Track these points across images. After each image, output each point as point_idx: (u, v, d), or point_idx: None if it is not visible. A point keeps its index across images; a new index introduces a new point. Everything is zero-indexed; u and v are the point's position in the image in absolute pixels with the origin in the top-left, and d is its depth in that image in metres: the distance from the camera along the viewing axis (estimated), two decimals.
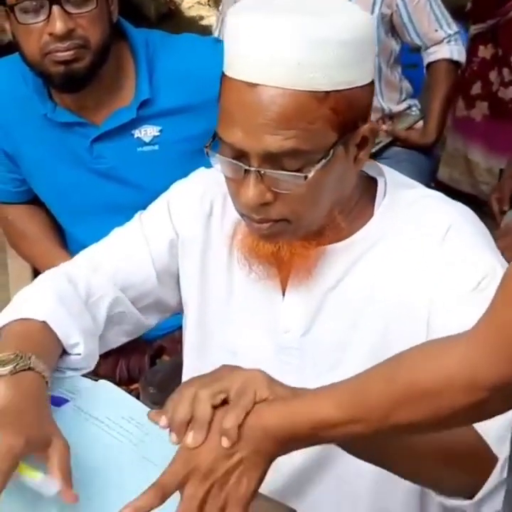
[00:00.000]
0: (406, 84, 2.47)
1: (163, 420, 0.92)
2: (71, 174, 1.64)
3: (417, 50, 2.41)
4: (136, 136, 1.58)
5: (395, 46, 2.39)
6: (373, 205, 1.10)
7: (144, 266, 1.21)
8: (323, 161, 0.97)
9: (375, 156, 2.37)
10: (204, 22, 5.05)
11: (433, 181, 3.23)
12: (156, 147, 1.58)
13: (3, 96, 1.65)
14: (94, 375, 1.72)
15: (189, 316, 1.23)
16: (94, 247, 1.26)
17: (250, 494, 0.89)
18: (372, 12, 2.24)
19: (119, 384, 1.70)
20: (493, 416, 0.84)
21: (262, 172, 0.97)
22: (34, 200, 1.78)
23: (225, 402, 0.91)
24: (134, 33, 1.58)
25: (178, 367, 1.49)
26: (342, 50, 0.95)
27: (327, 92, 0.95)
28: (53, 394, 1.08)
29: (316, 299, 1.10)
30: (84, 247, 1.70)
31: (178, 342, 1.66)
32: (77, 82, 1.49)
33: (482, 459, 0.94)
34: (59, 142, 1.61)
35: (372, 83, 1.02)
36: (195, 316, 1.22)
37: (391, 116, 2.42)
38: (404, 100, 2.46)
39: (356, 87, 0.98)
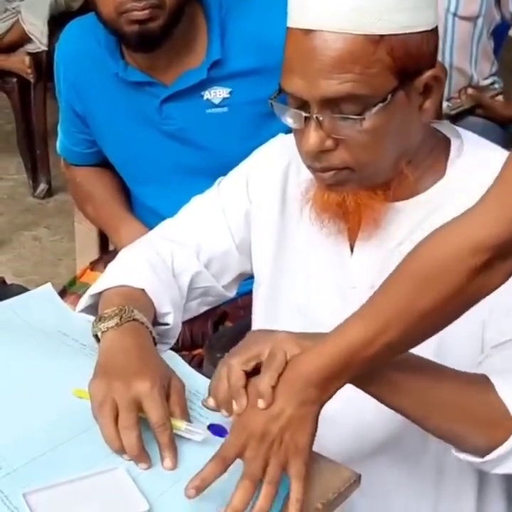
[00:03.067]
0: (495, 59, 2.43)
1: (211, 402, 0.97)
2: (140, 134, 1.64)
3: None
4: (205, 97, 1.57)
5: (496, 16, 2.35)
6: (446, 164, 1.08)
7: (224, 240, 1.24)
8: (381, 104, 0.96)
9: (454, 120, 2.33)
10: None
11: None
12: (226, 109, 1.57)
13: (75, 56, 1.66)
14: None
15: (262, 277, 1.24)
16: (176, 220, 1.29)
17: (308, 446, 0.92)
18: None
19: (181, 349, 1.72)
20: (500, 284, 0.88)
21: (321, 118, 0.98)
22: (102, 163, 1.79)
23: (259, 368, 0.94)
24: None
25: (242, 332, 1.47)
26: None
27: (381, 36, 0.95)
28: None
29: (382, 254, 1.10)
30: (150, 209, 1.71)
31: (241, 308, 1.66)
32: (150, 41, 1.49)
33: (501, 422, 0.96)
34: (129, 102, 1.61)
35: (434, 31, 1.00)
36: (268, 278, 1.22)
37: (475, 88, 2.37)
38: (491, 75, 2.41)
39: (414, 33, 0.97)
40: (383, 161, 1.03)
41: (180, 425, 1.00)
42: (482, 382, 0.98)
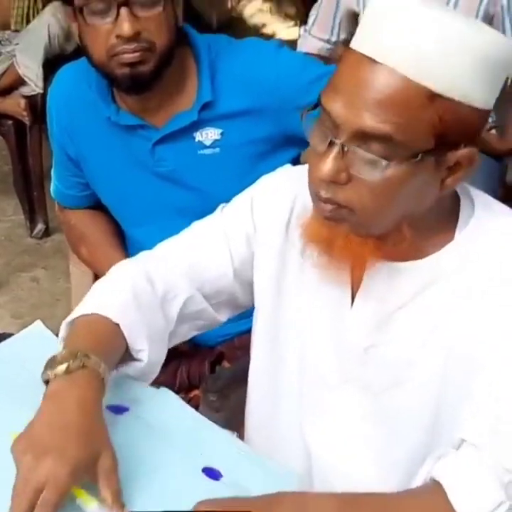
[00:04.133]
0: None
1: None
2: (133, 177, 1.64)
3: None
4: (197, 139, 1.57)
5: None
6: (455, 227, 1.05)
7: (222, 263, 1.21)
8: (412, 160, 0.93)
9: None
10: (266, 30, 5.06)
11: (502, 186, 3.17)
12: (217, 150, 1.57)
13: (68, 100, 1.67)
14: (155, 382, 1.73)
15: (261, 311, 1.22)
16: (175, 240, 1.26)
17: None
18: (479, 6, 2.20)
19: (178, 391, 1.71)
20: None
21: (346, 148, 0.95)
22: (96, 205, 1.79)
23: None
24: (197, 38, 1.59)
25: (238, 374, 1.47)
26: (479, 65, 0.92)
27: (439, 95, 0.92)
28: (113, 403, 1.06)
29: (383, 314, 1.07)
30: (145, 250, 1.70)
31: (238, 348, 1.66)
32: (141, 84, 1.49)
33: None
34: (122, 145, 1.62)
35: (487, 113, 0.98)
36: (268, 312, 1.20)
37: None
38: None
39: (472, 106, 0.94)
40: (386, 216, 1.00)
41: (90, 502, 0.93)
42: (432, 494, 0.98)
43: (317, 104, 0.99)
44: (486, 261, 1.02)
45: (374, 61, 0.93)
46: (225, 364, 1.70)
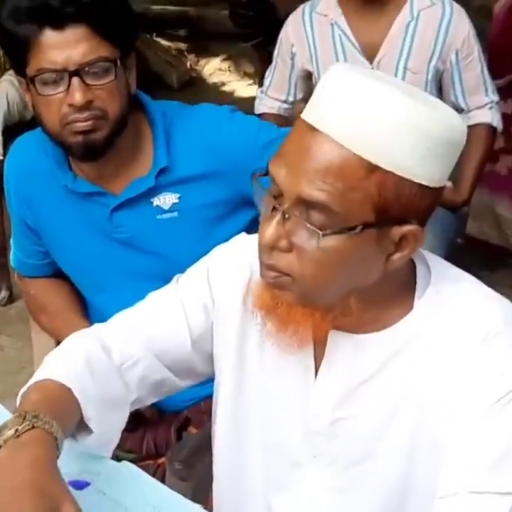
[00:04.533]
0: None
1: None
2: (93, 244, 1.64)
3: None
4: (155, 204, 1.58)
5: None
6: (413, 296, 1.04)
7: (179, 333, 1.20)
8: (347, 233, 0.93)
9: None
10: (225, 88, 5.12)
11: (461, 237, 3.21)
12: (176, 214, 1.58)
13: (25, 170, 1.67)
14: (121, 449, 1.70)
15: (222, 386, 1.20)
16: (131, 311, 1.25)
17: None
18: (429, 63, 2.27)
19: (146, 458, 1.68)
20: None
21: (287, 215, 0.95)
22: (56, 274, 1.77)
23: None
24: (151, 104, 1.60)
25: (204, 440, 1.45)
26: (420, 141, 0.91)
27: (375, 166, 0.91)
28: (74, 478, 1.04)
29: (348, 388, 1.06)
30: (107, 317, 1.69)
31: (204, 413, 1.64)
32: (95, 151, 1.50)
33: None
34: (80, 212, 1.61)
35: (436, 190, 0.96)
36: (230, 388, 1.18)
37: None
38: None
39: (413, 182, 0.93)
40: (328, 287, 0.98)
41: None
42: None
43: (268, 170, 0.99)
44: (446, 329, 1.02)
45: (315, 130, 0.93)
46: (192, 429, 1.67)
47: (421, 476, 1.03)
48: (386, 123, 0.91)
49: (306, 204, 0.93)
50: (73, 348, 1.18)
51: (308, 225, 0.93)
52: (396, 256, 0.97)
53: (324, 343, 1.05)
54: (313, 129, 0.94)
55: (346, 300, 1.00)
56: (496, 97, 2.37)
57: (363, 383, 1.05)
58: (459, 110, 2.38)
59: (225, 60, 5.31)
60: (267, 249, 0.98)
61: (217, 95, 4.86)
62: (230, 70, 5.25)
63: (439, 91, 2.37)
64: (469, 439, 0.98)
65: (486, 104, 2.36)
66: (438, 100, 0.98)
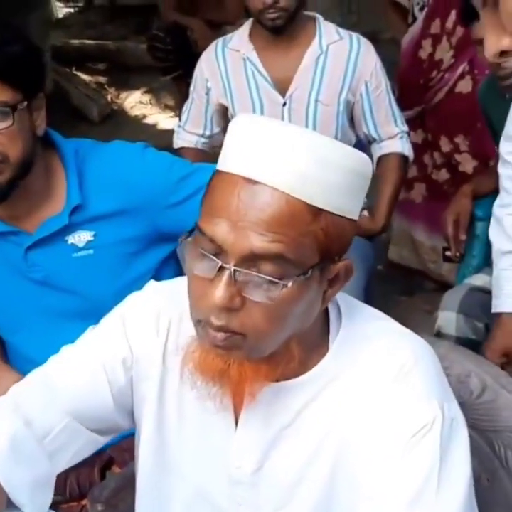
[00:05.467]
0: None
1: None
2: (7, 283, 1.62)
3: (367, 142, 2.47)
4: (69, 242, 1.58)
5: (352, 137, 2.47)
6: (327, 339, 1.06)
7: (100, 392, 1.16)
8: (302, 277, 0.93)
9: None
10: (147, 120, 5.12)
11: (381, 264, 3.28)
12: (91, 251, 1.58)
13: None
14: None
15: (143, 438, 1.18)
16: (48, 369, 1.20)
17: None
18: (340, 96, 2.33)
19: (70, 500, 1.66)
20: None
21: (238, 272, 0.92)
22: None
23: None
24: (62, 143, 1.60)
25: (126, 480, 1.44)
26: (348, 177, 0.94)
27: (321, 210, 0.93)
28: None
29: (268, 435, 1.07)
30: (24, 356, 1.68)
31: (126, 450, 1.62)
32: None
33: None
34: None
35: (356, 222, 0.99)
36: (151, 439, 1.16)
37: None
38: None
39: (346, 218, 0.96)
40: (279, 337, 0.98)
41: None
42: None
43: (193, 230, 0.97)
44: (360, 369, 1.04)
45: (254, 182, 0.92)
46: (116, 469, 1.66)
47: None
48: (322, 166, 0.93)
49: (257, 257, 0.92)
50: None
51: (264, 279, 0.92)
52: (329, 292, 0.99)
53: (243, 394, 1.03)
54: (249, 181, 0.92)
55: (289, 346, 1.00)
56: (405, 127, 2.45)
57: (283, 430, 1.06)
58: (372, 140, 2.46)
59: (145, 93, 5.32)
60: (216, 310, 0.94)
61: (138, 128, 4.86)
62: (151, 103, 5.25)
63: (351, 123, 2.43)
64: (385, 477, 1.00)
65: (396, 134, 2.43)
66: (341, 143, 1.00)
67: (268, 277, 0.92)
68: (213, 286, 0.93)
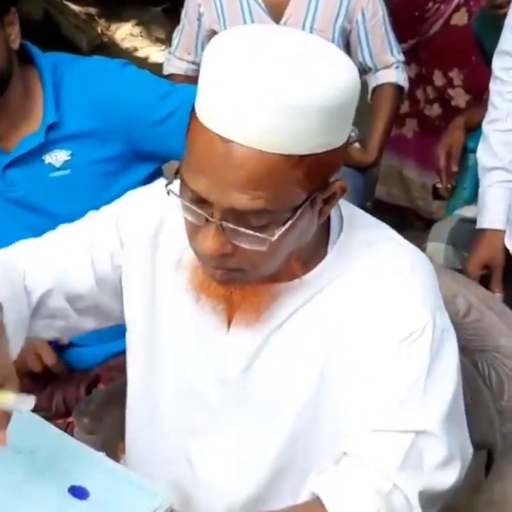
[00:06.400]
0: None
1: None
2: None
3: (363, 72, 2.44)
4: (47, 161, 1.56)
5: None
6: (326, 243, 1.06)
7: (83, 269, 1.18)
8: (290, 221, 0.93)
9: None
10: (138, 53, 5.04)
11: (369, 200, 3.28)
12: (68, 171, 1.56)
13: None
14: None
15: (133, 333, 1.20)
16: (40, 240, 1.23)
17: None
18: (335, 23, 2.29)
19: (55, 417, 1.68)
20: None
21: (224, 225, 0.93)
22: None
23: None
24: (41, 57, 1.56)
25: (113, 395, 1.45)
26: (322, 116, 0.90)
27: (302, 156, 0.90)
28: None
29: (260, 336, 1.08)
30: None
31: (114, 369, 1.64)
32: None
33: None
34: None
35: (347, 142, 0.97)
36: (142, 336, 1.18)
37: None
38: None
39: (329, 151, 0.93)
40: (277, 264, 1.00)
41: (6, 396, 0.95)
42: (311, 509, 0.99)
43: (177, 175, 0.95)
44: (356, 274, 1.04)
45: (227, 140, 0.89)
46: (102, 386, 1.67)
47: (329, 418, 1.06)
48: (296, 117, 0.88)
49: (242, 212, 0.92)
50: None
51: (251, 233, 0.92)
52: (326, 208, 0.99)
53: (240, 303, 1.05)
54: (225, 140, 0.90)
55: (290, 260, 1.01)
56: (401, 57, 2.42)
57: (274, 331, 1.07)
58: (367, 70, 2.43)
59: (136, 25, 5.21)
60: (209, 256, 0.96)
61: (129, 61, 4.78)
62: (141, 36, 5.16)
63: (346, 51, 2.40)
64: (374, 377, 1.01)
65: (392, 64, 2.40)
66: (329, 54, 0.95)
67: (253, 232, 0.92)
68: (203, 234, 0.94)
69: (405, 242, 1.09)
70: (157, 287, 1.15)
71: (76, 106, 1.54)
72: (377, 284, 1.03)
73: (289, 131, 0.89)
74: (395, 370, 1.00)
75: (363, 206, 2.53)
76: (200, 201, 0.93)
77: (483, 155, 1.79)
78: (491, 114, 1.79)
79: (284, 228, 0.93)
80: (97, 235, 1.19)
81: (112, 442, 1.37)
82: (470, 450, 1.09)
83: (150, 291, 1.16)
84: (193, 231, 0.97)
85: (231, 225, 0.92)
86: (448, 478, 1.01)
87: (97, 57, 1.66)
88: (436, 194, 2.39)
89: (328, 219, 1.07)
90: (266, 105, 0.88)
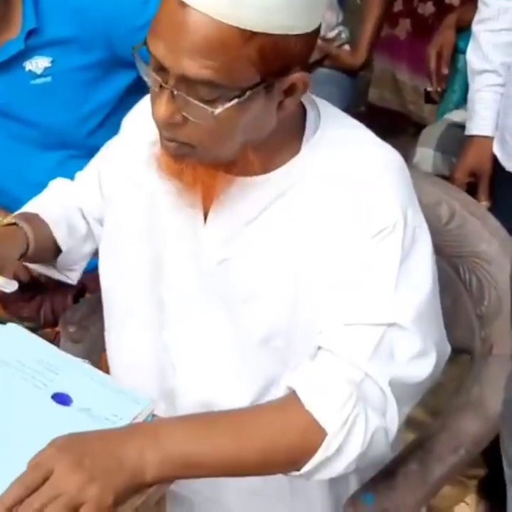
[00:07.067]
0: (340, 10, 2.46)
1: None
2: None
3: None
4: (27, 68, 1.53)
5: None
6: (301, 140, 1.06)
7: (95, 192, 1.30)
8: (236, 100, 0.93)
9: None
10: None
11: (362, 104, 3.23)
12: (49, 79, 1.54)
13: None
14: (18, 317, 1.70)
15: (107, 222, 1.24)
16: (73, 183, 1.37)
17: None
18: None
19: (43, 326, 1.69)
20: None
21: (175, 93, 0.94)
22: None
23: None
24: None
25: (97, 304, 1.46)
26: None
27: (254, 33, 0.90)
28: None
29: (233, 228, 1.09)
30: None
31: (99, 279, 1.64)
32: None
33: (311, 433, 0.98)
34: None
35: (313, 33, 0.96)
36: (114, 225, 1.22)
37: (322, 39, 2.39)
38: (337, 25, 2.44)
39: (289, 35, 0.93)
40: (228, 147, 1.01)
41: None
42: (287, 402, 1.01)
43: (145, 43, 0.96)
44: (330, 170, 1.04)
45: (184, 4, 0.91)
46: (88, 296, 1.69)
47: (305, 315, 1.07)
48: None
49: (192, 81, 0.93)
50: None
51: (196, 103, 0.93)
52: (287, 101, 0.99)
53: (214, 188, 1.06)
54: (183, 4, 0.91)
55: (245, 151, 1.02)
56: None
57: (248, 224, 1.08)
58: None
59: None
60: (161, 124, 0.99)
61: None
62: None
63: None
64: (346, 273, 1.02)
65: None
66: None
67: (198, 103, 0.93)
68: (158, 101, 0.97)
69: (381, 142, 1.09)
70: (132, 173, 1.18)
71: (56, 11, 1.51)
72: (350, 182, 1.03)
73: (246, 4, 0.89)
74: (367, 266, 1.01)
75: (349, 110, 2.47)
76: (160, 68, 0.95)
77: (473, 57, 1.73)
78: (481, 12, 1.72)
79: (228, 104, 0.93)
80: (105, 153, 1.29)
81: (97, 351, 1.39)
82: (447, 348, 1.11)
83: (126, 179, 1.19)
84: (153, 99, 0.99)
85: (182, 94, 0.94)
86: (421, 370, 1.03)
87: None
88: (428, 98, 2.35)
89: (304, 116, 1.07)
90: None
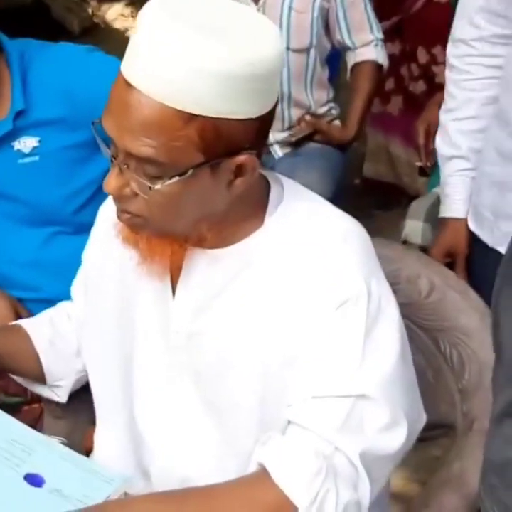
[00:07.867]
0: (330, 87, 2.52)
1: None
2: None
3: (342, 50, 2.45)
4: (15, 148, 1.57)
5: (327, 44, 2.43)
6: (264, 213, 1.08)
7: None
8: (177, 178, 0.97)
9: (295, 146, 2.42)
10: (129, 34, 5.00)
11: (357, 178, 3.27)
12: (37, 158, 1.57)
13: None
14: (6, 393, 1.69)
15: (87, 306, 1.27)
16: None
17: None
18: (314, 3, 2.30)
19: (31, 402, 1.68)
20: None
21: (124, 167, 0.98)
22: None
23: None
24: (8, 44, 1.56)
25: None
26: (224, 84, 0.93)
27: (194, 115, 0.94)
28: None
29: (202, 302, 1.10)
30: None
31: None
32: None
33: (283, 507, 0.98)
34: None
35: (260, 118, 0.98)
36: (93, 305, 1.24)
37: (313, 115, 2.45)
38: (328, 102, 2.50)
39: (230, 120, 0.96)
40: (179, 222, 1.04)
41: None
42: (257, 478, 1.01)
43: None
44: (293, 242, 1.06)
45: (130, 85, 0.95)
46: None
47: (276, 387, 1.06)
48: (191, 73, 0.93)
49: (136, 158, 0.97)
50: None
51: (139, 179, 0.97)
52: (237, 181, 1.01)
53: (181, 260, 1.09)
54: (128, 85, 0.95)
55: (199, 226, 1.05)
56: (380, 35, 2.41)
57: (215, 297, 1.09)
58: (346, 48, 2.42)
59: (127, 5, 5.20)
60: (113, 196, 1.03)
61: (120, 41, 4.74)
62: (132, 16, 5.12)
63: (326, 30, 2.39)
64: (312, 345, 1.03)
65: (371, 41, 2.40)
66: (259, 29, 0.98)
67: (139, 178, 0.97)
68: (110, 173, 1.01)
69: (342, 213, 1.11)
70: (110, 260, 1.20)
71: (44, 93, 1.55)
72: (312, 253, 1.05)
73: (185, 89, 0.93)
74: (332, 338, 1.02)
75: (341, 182, 2.51)
76: (113, 143, 1.00)
77: (442, 144, 1.77)
78: (447, 103, 1.77)
79: (169, 181, 0.96)
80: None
81: (80, 427, 1.38)
82: (422, 416, 1.11)
83: (102, 267, 1.22)
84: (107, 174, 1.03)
85: (128, 167, 0.98)
86: (392, 441, 1.02)
87: (64, 44, 1.66)
88: (422, 171, 2.39)
89: (269, 192, 1.09)
90: (174, 59, 0.92)
